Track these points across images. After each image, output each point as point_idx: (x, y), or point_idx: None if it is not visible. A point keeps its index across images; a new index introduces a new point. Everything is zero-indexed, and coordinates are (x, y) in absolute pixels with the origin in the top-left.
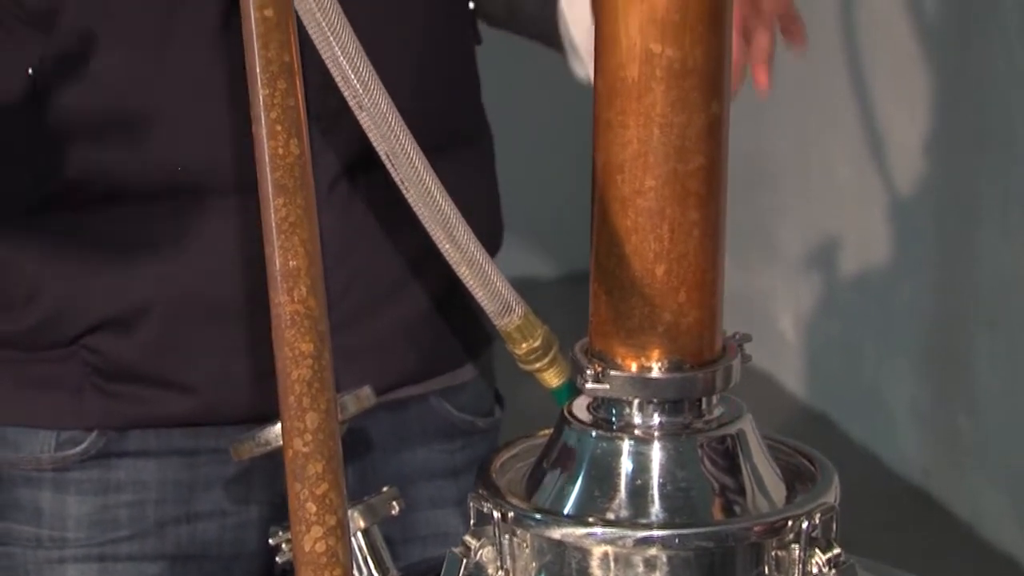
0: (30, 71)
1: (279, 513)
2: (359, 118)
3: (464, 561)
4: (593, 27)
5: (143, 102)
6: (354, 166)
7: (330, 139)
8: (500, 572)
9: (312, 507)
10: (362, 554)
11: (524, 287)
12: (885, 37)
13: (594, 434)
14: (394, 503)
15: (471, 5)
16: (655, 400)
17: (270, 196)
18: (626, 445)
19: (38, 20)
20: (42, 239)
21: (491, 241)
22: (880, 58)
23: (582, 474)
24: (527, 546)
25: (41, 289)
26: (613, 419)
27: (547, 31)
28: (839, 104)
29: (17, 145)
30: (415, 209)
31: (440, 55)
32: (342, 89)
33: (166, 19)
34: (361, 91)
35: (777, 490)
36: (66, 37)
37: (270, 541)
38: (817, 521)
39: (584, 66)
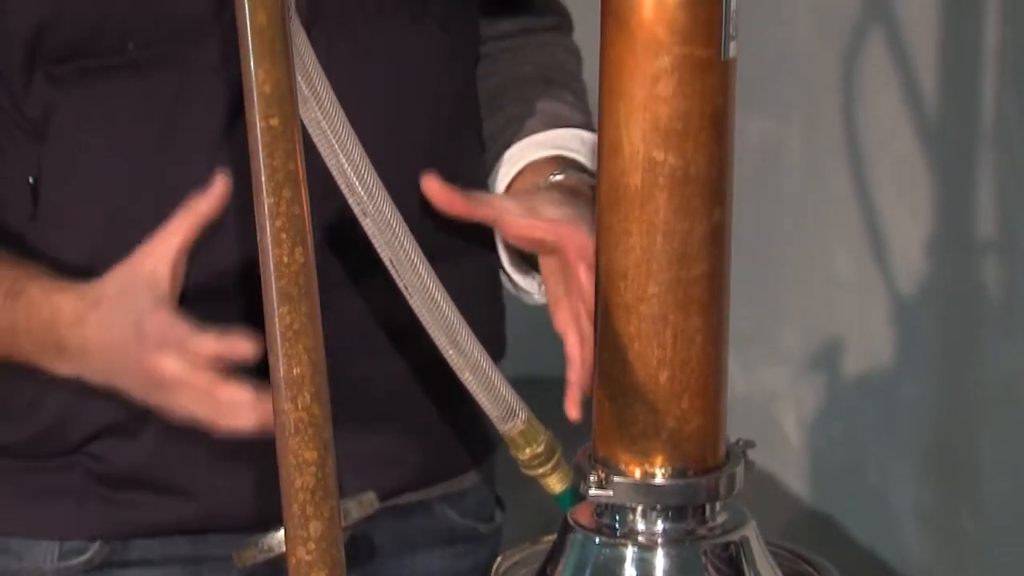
0: (31, 179)
1: None
2: (363, 225)
3: None
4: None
5: (144, 209)
6: (358, 273)
7: (334, 246)
8: None
9: None
10: None
11: (529, 386)
12: (887, 138)
13: (598, 541)
14: None
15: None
16: (659, 507)
17: (274, 304)
18: (630, 552)
19: (38, 127)
20: None
21: (494, 350)
22: (882, 159)
23: None
24: None
25: (43, 397)
26: (617, 525)
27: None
28: (841, 204)
29: (17, 252)
30: (419, 315)
31: (446, 165)
32: (347, 196)
33: (168, 125)
34: (365, 198)
35: None
36: (66, 144)
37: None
38: None
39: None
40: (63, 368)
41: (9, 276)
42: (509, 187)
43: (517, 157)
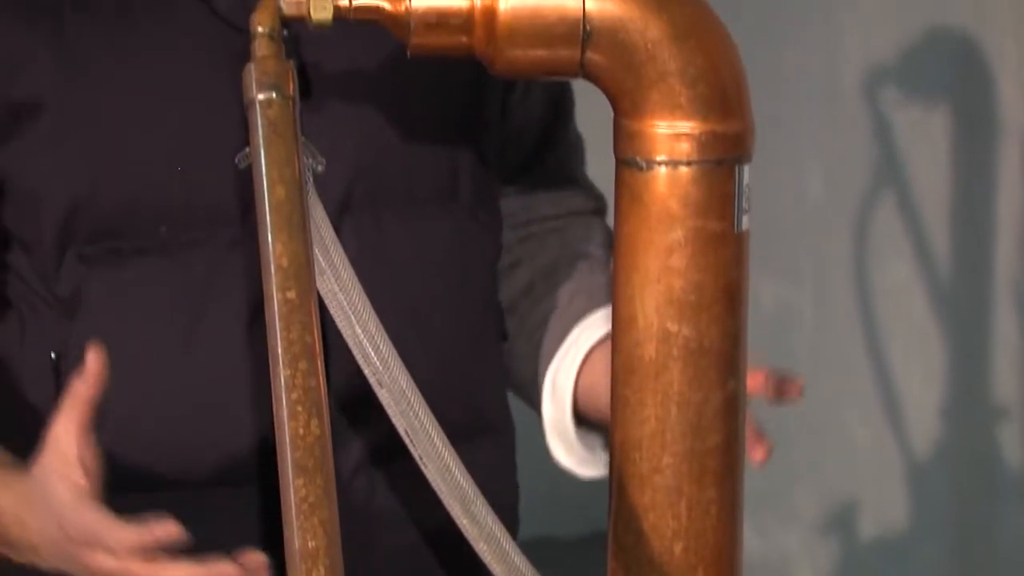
0: (52, 355)
1: None
2: (379, 395)
3: None
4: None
5: (171, 389)
6: (378, 453)
7: (355, 426)
8: None
9: None
10: None
11: (545, 547)
12: (899, 302)
13: None
14: None
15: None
16: None
17: (290, 476)
18: None
19: (67, 306)
20: None
21: (509, 525)
22: (894, 323)
23: None
24: None
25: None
26: None
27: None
28: (854, 368)
29: (35, 428)
30: (433, 485)
31: (464, 349)
32: (363, 367)
33: (198, 305)
34: (381, 368)
35: None
36: (94, 323)
37: None
38: None
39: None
40: (23, 558)
41: None
42: (587, 357)
43: (594, 329)
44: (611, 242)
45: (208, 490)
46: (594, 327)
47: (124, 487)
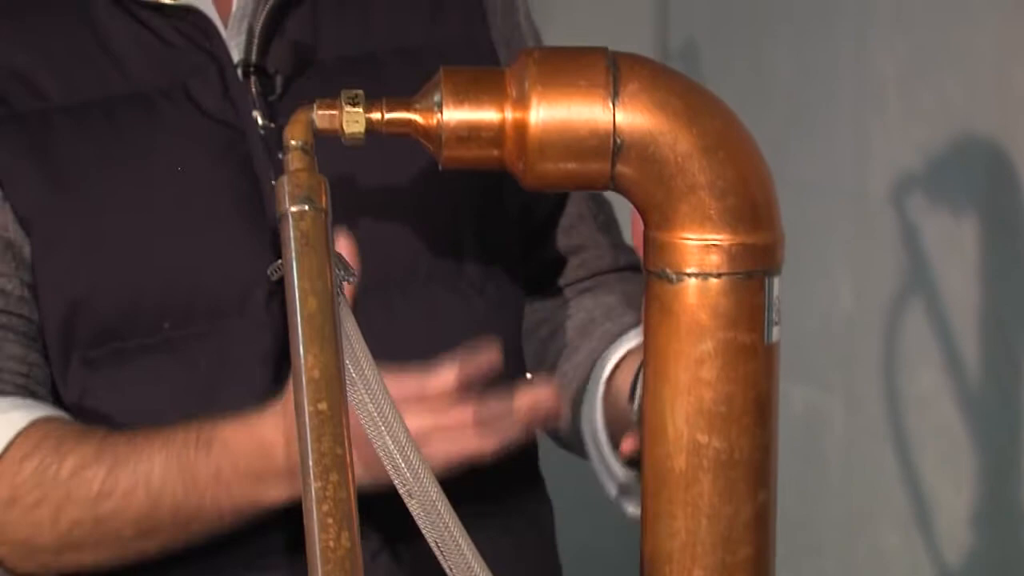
0: None
1: None
2: (409, 505)
3: None
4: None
5: None
6: (397, 538)
7: (374, 513)
8: None
9: None
10: None
11: None
12: (929, 410)
13: None
14: None
15: (528, 377)
16: None
17: None
18: None
19: (73, 411)
20: None
21: None
22: (925, 430)
23: None
24: None
25: None
26: None
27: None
28: (885, 474)
29: None
30: None
31: None
32: (392, 478)
33: (205, 400)
34: (411, 479)
35: None
36: (101, 425)
37: None
38: None
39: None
40: (279, 492)
41: (192, 429)
42: (615, 370)
43: (617, 347)
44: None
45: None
46: (613, 355)
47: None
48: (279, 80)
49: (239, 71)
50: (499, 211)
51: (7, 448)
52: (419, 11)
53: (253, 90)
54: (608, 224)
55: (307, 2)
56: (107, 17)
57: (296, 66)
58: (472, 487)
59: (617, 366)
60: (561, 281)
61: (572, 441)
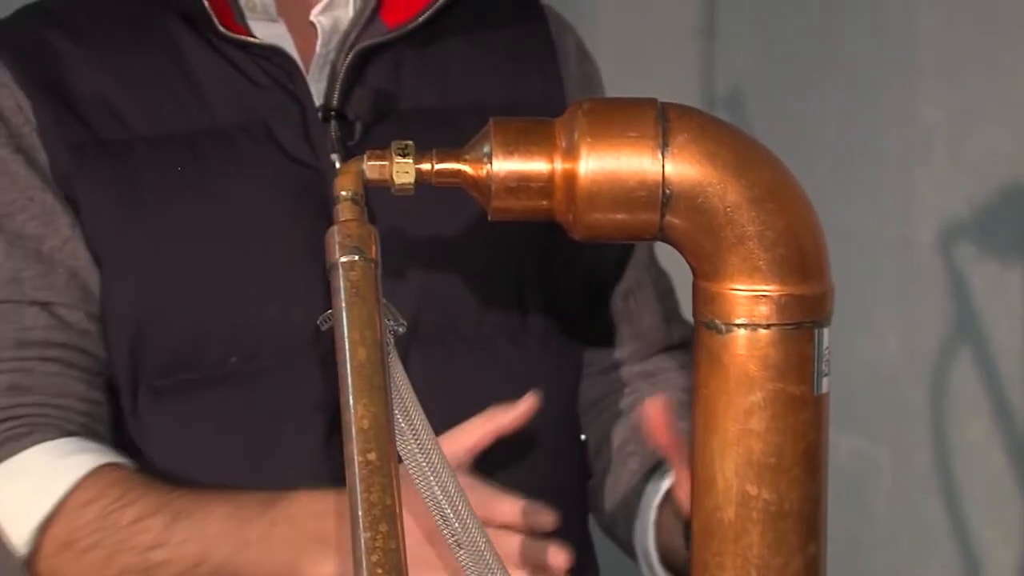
0: None
1: None
2: (457, 556)
3: None
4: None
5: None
6: None
7: None
8: None
9: None
10: None
11: None
12: (978, 461)
13: None
14: None
15: (583, 438)
16: None
17: None
18: None
19: (141, 440)
20: None
21: None
22: (974, 480)
23: None
24: None
25: None
26: None
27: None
28: (933, 525)
29: None
30: None
31: (544, 490)
32: (441, 528)
33: (270, 435)
34: (460, 530)
35: None
36: (166, 456)
37: None
38: None
39: None
40: (321, 568)
41: (261, 492)
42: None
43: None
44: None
45: None
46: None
47: None
48: (358, 126)
49: (319, 115)
50: (562, 266)
51: (72, 490)
52: (498, 70)
53: (333, 134)
54: (665, 295)
55: (390, 52)
56: (194, 52)
57: (375, 114)
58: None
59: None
60: (617, 353)
61: (621, 544)
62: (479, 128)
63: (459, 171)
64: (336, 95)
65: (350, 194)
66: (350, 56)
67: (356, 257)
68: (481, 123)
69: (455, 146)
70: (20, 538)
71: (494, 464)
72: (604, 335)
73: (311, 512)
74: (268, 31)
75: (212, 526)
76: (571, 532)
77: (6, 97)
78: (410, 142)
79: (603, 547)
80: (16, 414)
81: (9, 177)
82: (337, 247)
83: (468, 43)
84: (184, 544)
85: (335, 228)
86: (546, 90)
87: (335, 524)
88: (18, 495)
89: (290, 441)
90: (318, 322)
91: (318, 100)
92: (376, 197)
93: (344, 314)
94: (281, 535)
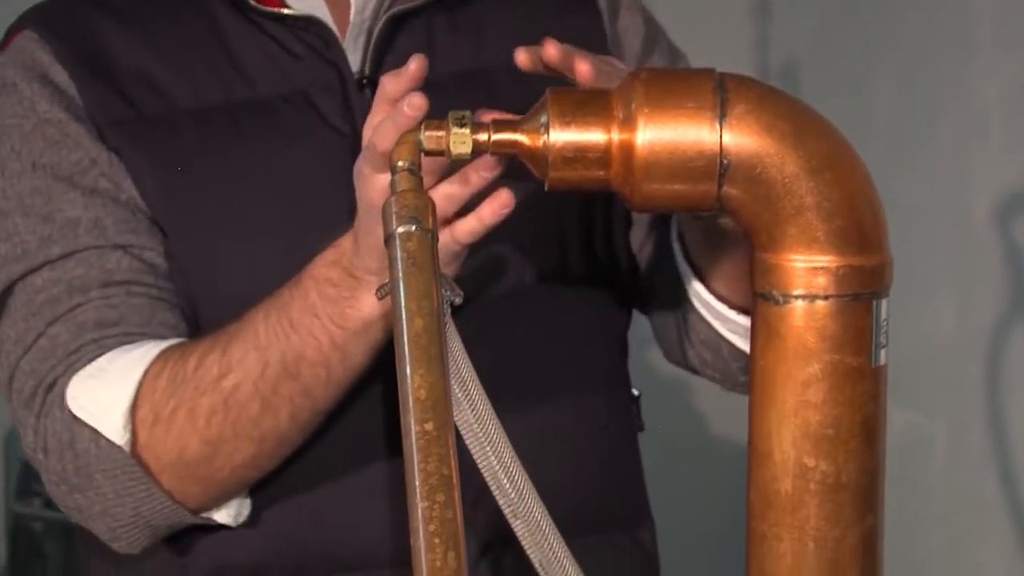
0: None
1: None
2: (513, 526)
3: None
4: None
5: (302, 499)
6: (493, 545)
7: (470, 521)
8: None
9: None
10: None
11: None
12: None
13: None
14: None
15: (635, 392)
16: None
17: None
18: None
19: None
20: None
21: None
22: None
23: None
24: None
25: None
26: None
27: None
28: (989, 500)
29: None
30: None
31: (598, 444)
32: (497, 497)
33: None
34: (516, 500)
35: None
36: None
37: None
38: None
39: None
40: (362, 304)
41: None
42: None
43: None
44: None
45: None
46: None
47: None
48: None
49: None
50: (607, 228)
51: (145, 373)
52: (536, 29)
53: (370, 102)
54: None
55: (422, 17)
56: (232, 26)
57: None
58: (577, 501)
59: None
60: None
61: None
62: (515, 89)
63: (516, 142)
64: (369, 62)
65: (407, 164)
66: (382, 22)
67: (413, 227)
68: (518, 85)
69: (490, 108)
70: (115, 432)
71: (546, 424)
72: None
73: (326, 263)
74: (303, 2)
75: (260, 330)
76: (626, 487)
77: (57, 73)
78: (467, 112)
79: (658, 500)
80: (104, 345)
81: (72, 139)
82: (394, 217)
83: (503, 3)
84: (244, 359)
85: (392, 198)
86: (587, 48)
87: (348, 246)
88: (101, 393)
89: (342, 411)
90: (375, 292)
91: (355, 68)
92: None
93: (401, 284)
94: (314, 296)
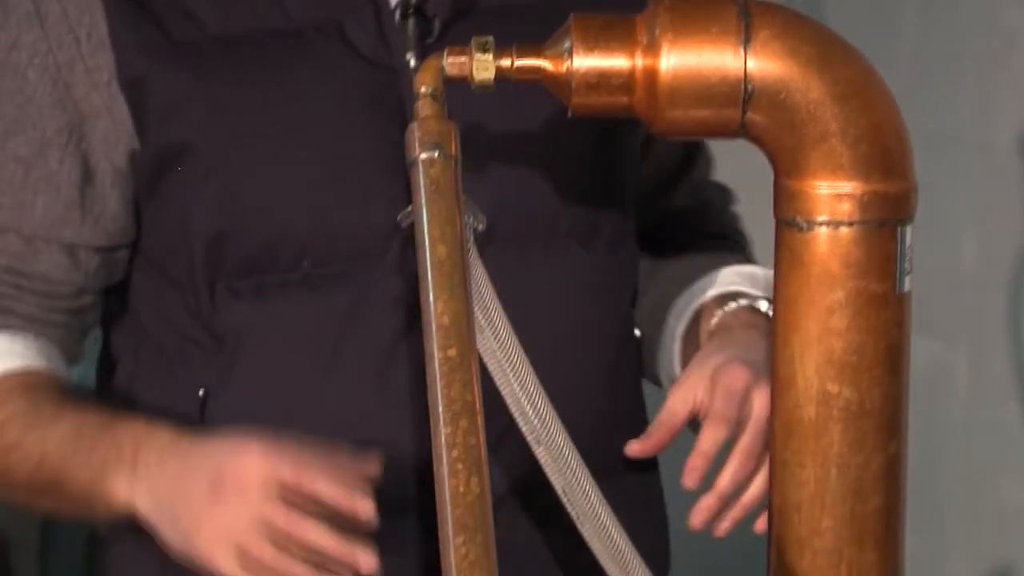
0: (201, 392)
1: None
2: (536, 453)
3: None
4: None
5: (309, 425)
6: (515, 490)
7: (492, 465)
8: None
9: None
10: None
11: None
12: None
13: None
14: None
15: (637, 332)
16: None
17: (450, 534)
18: None
19: (217, 341)
20: None
21: (660, 565)
22: None
23: None
24: None
25: None
26: None
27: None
28: (1010, 430)
29: None
30: (590, 544)
31: (605, 383)
32: (520, 424)
33: (338, 342)
34: (539, 427)
35: None
36: (239, 358)
37: None
38: None
39: None
40: (118, 485)
41: (107, 414)
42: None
43: (681, 309)
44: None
45: None
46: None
47: None
48: (437, 23)
49: (397, 13)
50: (633, 169)
51: None
52: None
53: (410, 32)
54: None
55: None
56: None
57: (455, 10)
58: (589, 444)
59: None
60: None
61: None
62: (564, 20)
63: (539, 67)
64: None
65: (430, 90)
66: None
67: (436, 153)
68: (564, 19)
69: (536, 42)
70: None
71: (562, 370)
72: (675, 223)
73: (133, 438)
74: None
75: (55, 437)
76: (634, 433)
77: (70, 2)
78: (490, 38)
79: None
80: None
81: (24, 95)
82: (417, 143)
83: None
84: (31, 451)
85: (415, 124)
86: None
87: (156, 458)
88: None
89: (359, 345)
90: (398, 219)
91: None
92: (454, 96)
93: (424, 211)
94: (99, 458)
